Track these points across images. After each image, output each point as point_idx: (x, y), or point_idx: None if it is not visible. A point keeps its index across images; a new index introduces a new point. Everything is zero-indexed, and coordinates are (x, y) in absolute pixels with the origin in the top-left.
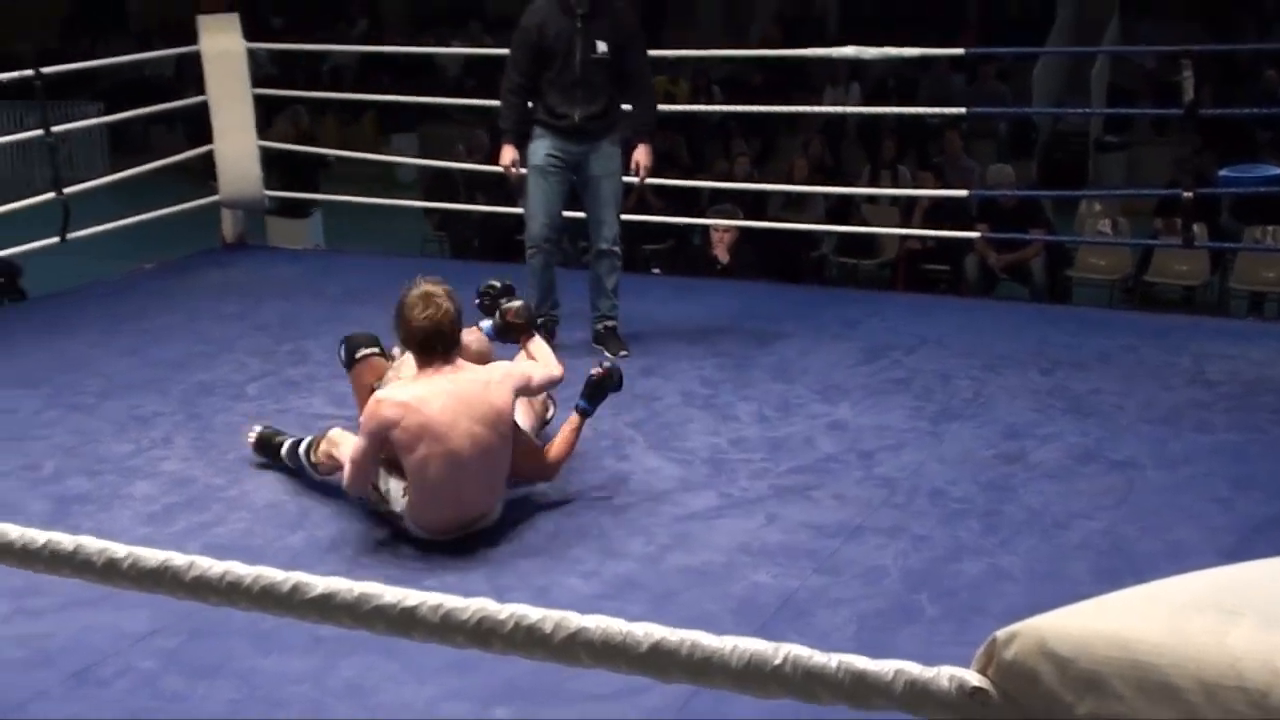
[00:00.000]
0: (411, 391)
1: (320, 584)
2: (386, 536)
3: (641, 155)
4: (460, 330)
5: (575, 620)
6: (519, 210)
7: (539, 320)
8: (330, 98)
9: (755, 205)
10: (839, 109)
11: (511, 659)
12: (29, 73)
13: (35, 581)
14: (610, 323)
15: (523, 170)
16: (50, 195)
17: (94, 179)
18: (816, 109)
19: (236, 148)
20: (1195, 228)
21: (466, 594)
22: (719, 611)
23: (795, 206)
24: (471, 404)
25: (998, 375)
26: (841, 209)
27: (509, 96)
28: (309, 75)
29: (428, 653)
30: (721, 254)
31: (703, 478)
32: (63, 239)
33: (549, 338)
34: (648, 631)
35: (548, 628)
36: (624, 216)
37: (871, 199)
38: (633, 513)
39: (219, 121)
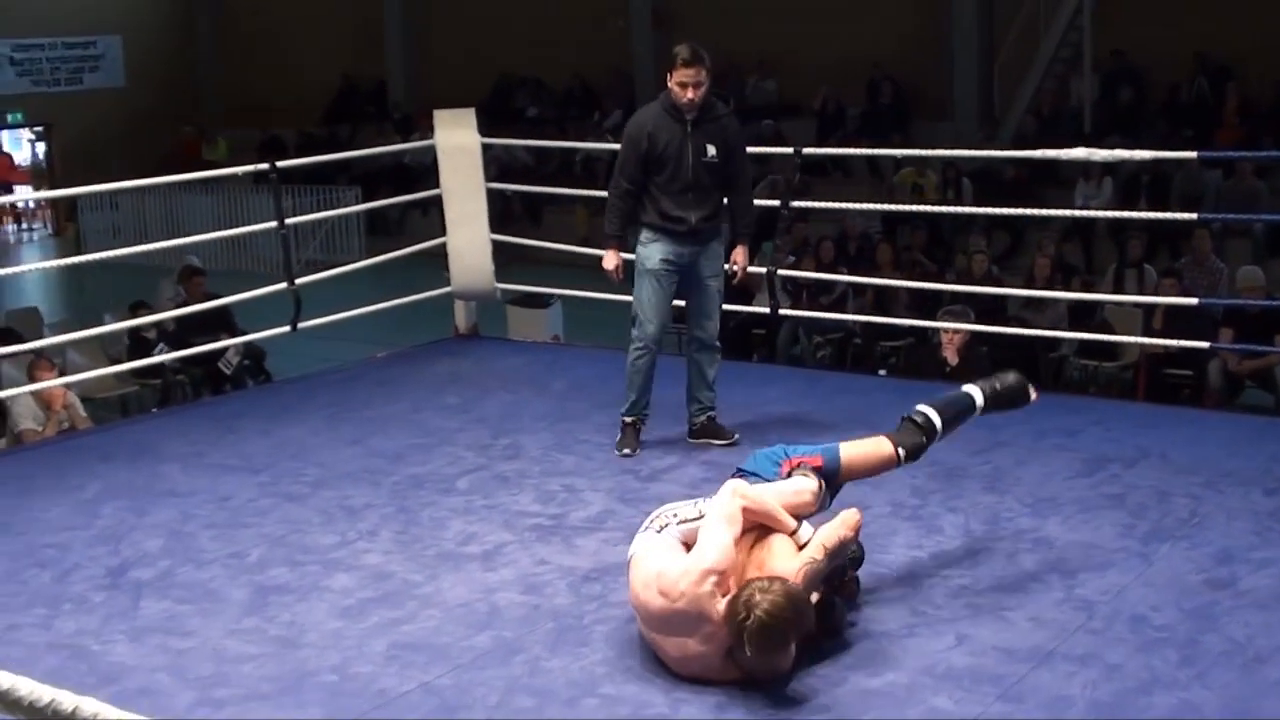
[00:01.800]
0: None
1: None
2: (573, 640)
3: (740, 256)
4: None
5: None
6: (762, 310)
7: (633, 422)
8: (545, 192)
9: (995, 303)
10: (1062, 212)
11: None
12: (264, 166)
13: (223, 673)
14: (712, 413)
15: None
16: (281, 285)
17: (350, 261)
18: (1044, 212)
19: (468, 239)
20: None
21: (640, 705)
22: None
23: (1036, 306)
24: None
25: (1219, 494)
26: (1083, 308)
27: (617, 201)
28: (563, 165)
29: None
30: (951, 356)
31: (897, 594)
32: (293, 328)
33: (636, 435)
34: None
35: None
36: (860, 317)
37: None
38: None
39: (451, 213)
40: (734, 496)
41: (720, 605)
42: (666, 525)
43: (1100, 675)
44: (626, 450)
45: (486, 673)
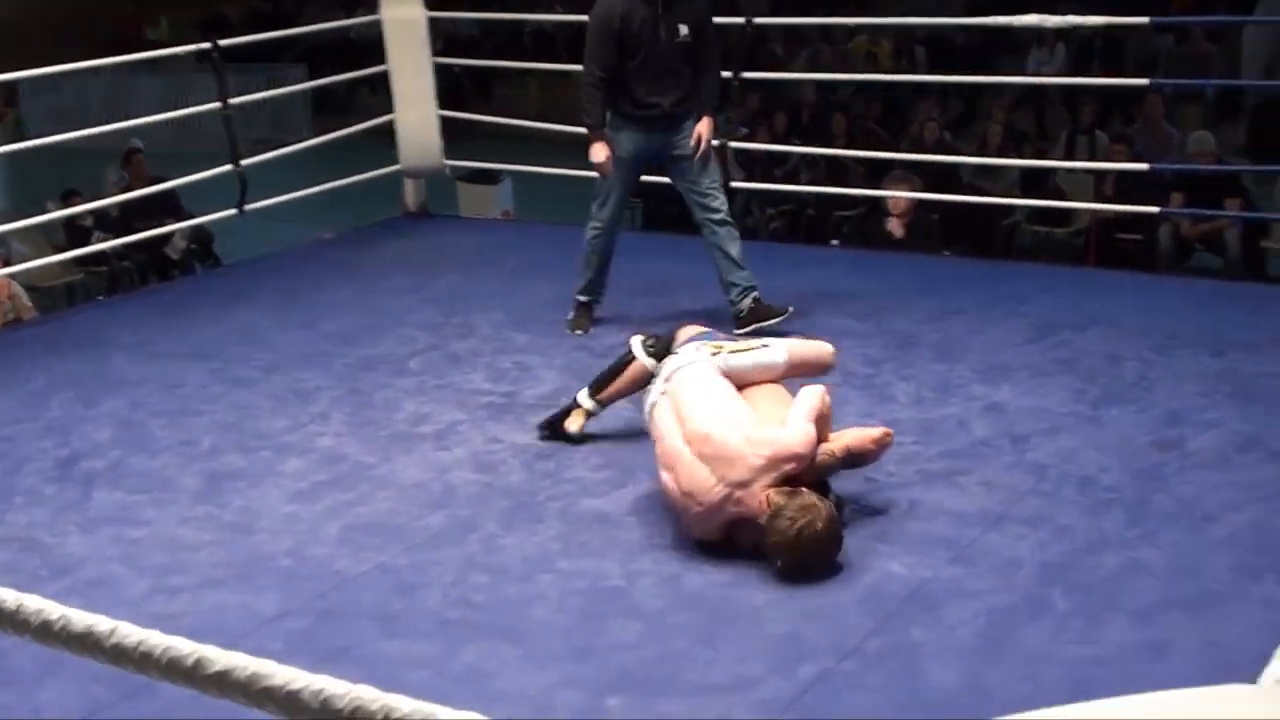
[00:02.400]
0: None
1: (219, 659)
2: (527, 516)
3: (704, 127)
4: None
5: (440, 716)
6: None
7: (588, 301)
8: (495, 66)
9: (948, 171)
10: (1015, 79)
11: (632, 647)
12: (206, 45)
13: (178, 561)
14: (755, 292)
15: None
16: (228, 167)
17: (298, 141)
18: (996, 79)
19: (416, 116)
20: None
21: (596, 578)
22: (846, 601)
23: (988, 173)
24: None
25: (1167, 357)
26: (1035, 175)
27: (593, 91)
28: (512, 38)
29: (548, 640)
30: (895, 228)
31: None
32: (240, 211)
33: (590, 314)
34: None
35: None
36: (813, 188)
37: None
38: None
39: (399, 90)
40: (821, 399)
41: (768, 494)
42: (721, 353)
43: (1050, 537)
44: (579, 330)
45: (442, 552)
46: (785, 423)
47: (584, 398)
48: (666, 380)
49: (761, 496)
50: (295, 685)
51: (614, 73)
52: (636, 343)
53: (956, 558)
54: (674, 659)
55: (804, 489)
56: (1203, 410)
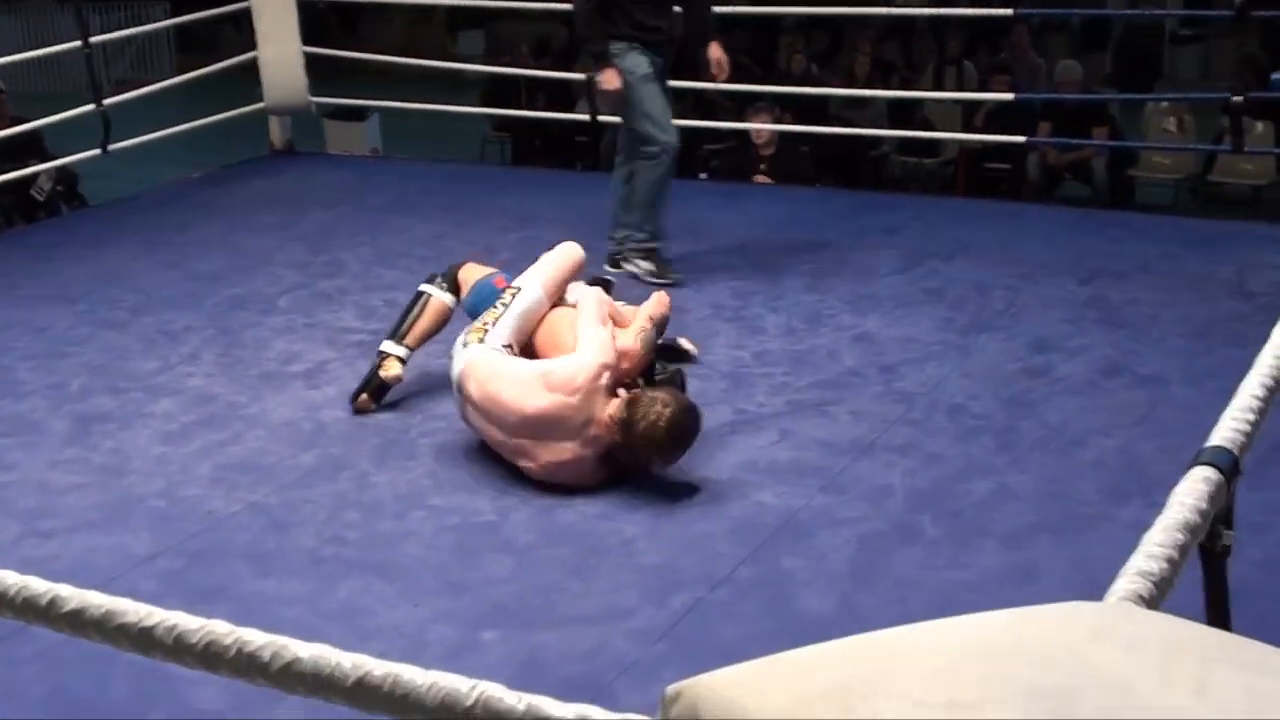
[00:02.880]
0: None
1: (74, 598)
2: (398, 454)
3: (718, 52)
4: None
5: (292, 649)
6: (580, 116)
7: (659, 245)
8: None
9: (816, 103)
10: (881, 10)
11: (505, 581)
12: None
13: (48, 504)
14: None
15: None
16: (90, 107)
17: (161, 80)
18: (862, 10)
19: (280, 53)
20: (1260, 126)
21: (468, 514)
22: (717, 531)
23: (856, 105)
24: None
25: (1035, 285)
26: (904, 106)
27: (591, 16)
28: None
29: (421, 576)
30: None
31: (719, 392)
32: (104, 150)
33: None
34: (355, 664)
35: (266, 656)
36: (681, 121)
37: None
38: None
39: (262, 26)
40: (597, 301)
41: (608, 406)
42: (485, 333)
43: (919, 464)
44: (678, 275)
45: (314, 490)
46: (576, 344)
47: (391, 346)
48: (457, 380)
49: (605, 419)
50: (149, 622)
51: None
52: (426, 286)
53: (827, 486)
54: (547, 591)
55: (637, 389)
56: (1070, 337)
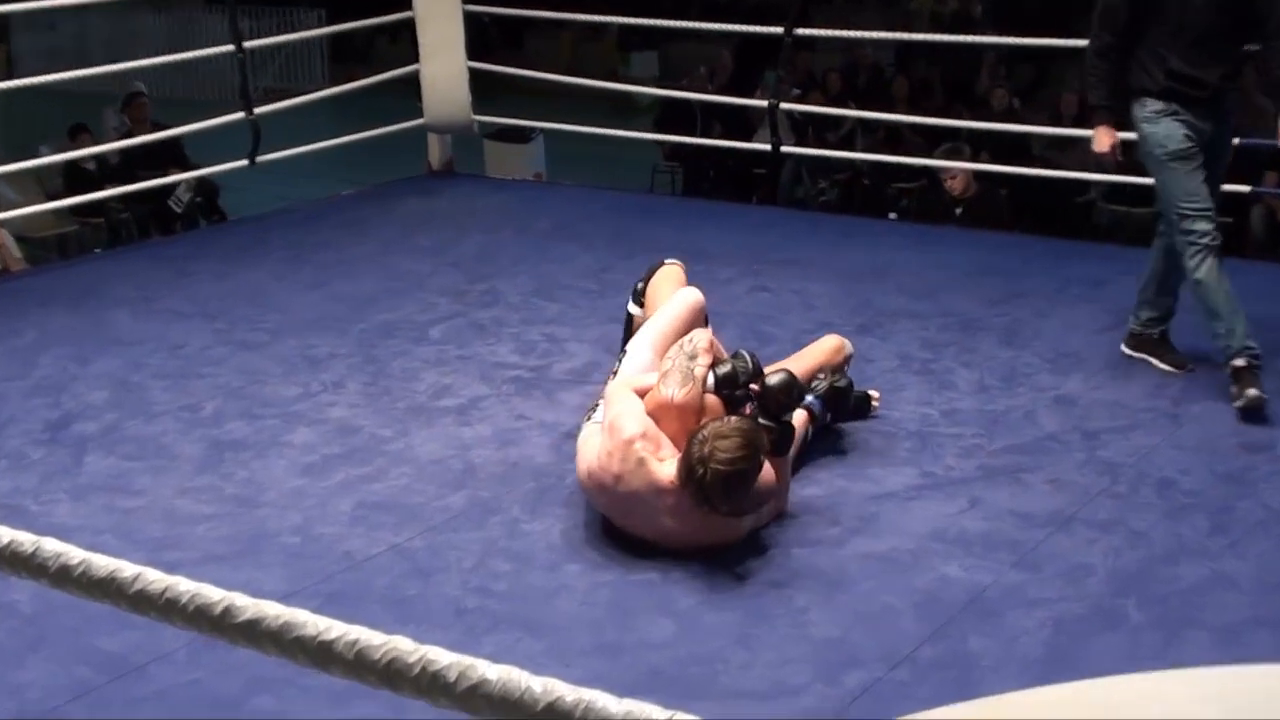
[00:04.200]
0: None
1: (250, 607)
2: (553, 500)
3: None
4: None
5: (480, 670)
6: (759, 146)
7: (1247, 360)
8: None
9: (1017, 142)
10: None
11: (664, 645)
12: None
13: (176, 534)
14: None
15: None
16: (239, 115)
17: (312, 90)
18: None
19: (443, 68)
20: None
21: (626, 570)
22: (899, 605)
23: (1062, 146)
24: None
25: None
26: None
27: (1099, 62)
28: None
29: (574, 634)
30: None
31: (905, 452)
32: (252, 162)
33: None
34: (546, 688)
35: (451, 676)
36: (868, 155)
37: None
38: (818, 488)
39: (426, 39)
40: (644, 353)
41: (666, 469)
42: (595, 410)
43: (1124, 542)
44: (1188, 368)
45: (461, 535)
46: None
47: None
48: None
49: (669, 485)
50: (328, 636)
51: (1126, 40)
52: (632, 306)
53: (1020, 561)
54: (708, 660)
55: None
56: None
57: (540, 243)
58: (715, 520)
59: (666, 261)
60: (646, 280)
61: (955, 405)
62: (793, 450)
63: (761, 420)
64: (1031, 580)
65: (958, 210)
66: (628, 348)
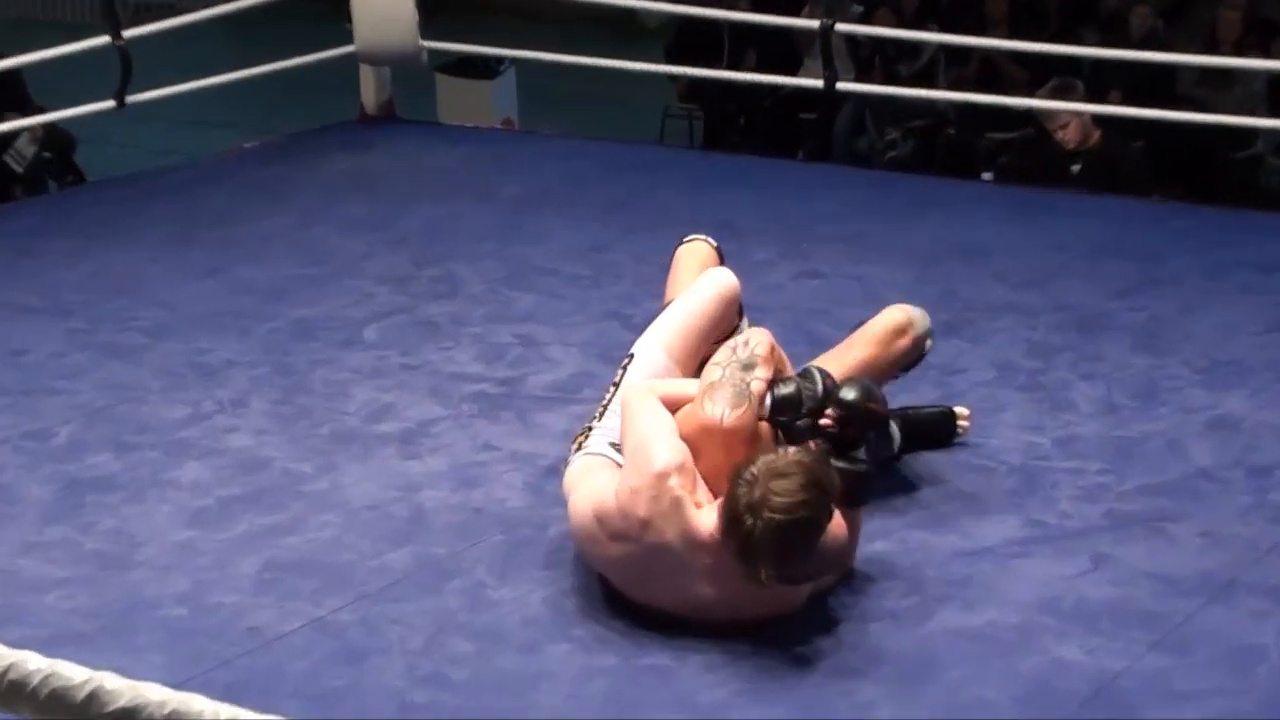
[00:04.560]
0: None
1: (126, 692)
2: (531, 559)
3: None
4: None
5: None
6: (809, 82)
7: None
8: None
9: (1158, 79)
10: None
11: None
12: None
13: (16, 607)
14: None
15: None
16: (103, 40)
17: (204, 7)
18: None
19: None
20: None
21: (629, 653)
22: (998, 701)
23: (1219, 82)
24: None
25: None
26: None
27: None
28: None
29: None
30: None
31: (1005, 495)
32: (120, 104)
33: None
34: None
35: None
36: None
37: None
38: (889, 543)
39: None
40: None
41: (706, 518)
42: (587, 436)
43: None
44: None
45: (406, 605)
46: None
47: None
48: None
49: (708, 539)
50: None
51: None
52: None
53: (1162, 642)
54: None
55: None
56: None
57: (511, 213)
58: (763, 588)
59: (689, 238)
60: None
61: (1074, 431)
62: None
63: (834, 462)
64: (1178, 667)
65: (1075, 168)
66: (634, 349)
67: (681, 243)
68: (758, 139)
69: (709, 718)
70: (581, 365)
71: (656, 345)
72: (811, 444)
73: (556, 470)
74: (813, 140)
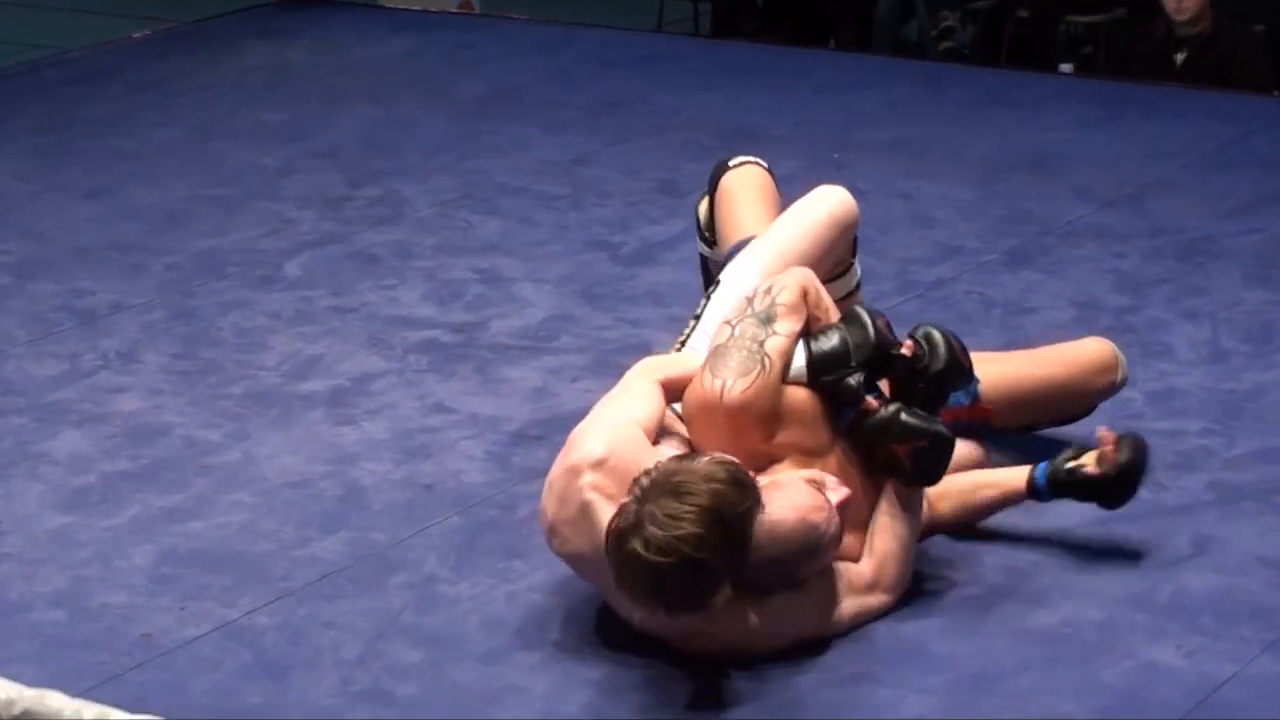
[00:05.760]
0: None
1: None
2: (493, 547)
3: None
4: None
5: None
6: None
7: None
8: None
9: None
10: None
11: None
12: None
13: None
14: None
15: None
16: None
17: None
18: None
19: None
20: None
21: (615, 661)
22: (1076, 714)
23: None
24: None
25: None
26: None
27: None
28: None
29: None
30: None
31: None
32: None
33: None
34: None
35: None
36: None
37: None
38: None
39: None
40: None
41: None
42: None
43: None
44: None
45: (340, 605)
46: None
47: None
48: None
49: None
50: None
51: None
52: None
53: (1278, 643)
54: None
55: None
56: None
57: (471, 119)
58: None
59: (736, 161)
60: (710, 195)
61: (1171, 383)
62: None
63: (906, 419)
64: None
65: (1179, 58)
66: (722, 275)
67: (725, 168)
68: (778, 25)
69: None
70: (557, 306)
71: (755, 269)
72: (873, 403)
73: (526, 437)
74: (848, 26)
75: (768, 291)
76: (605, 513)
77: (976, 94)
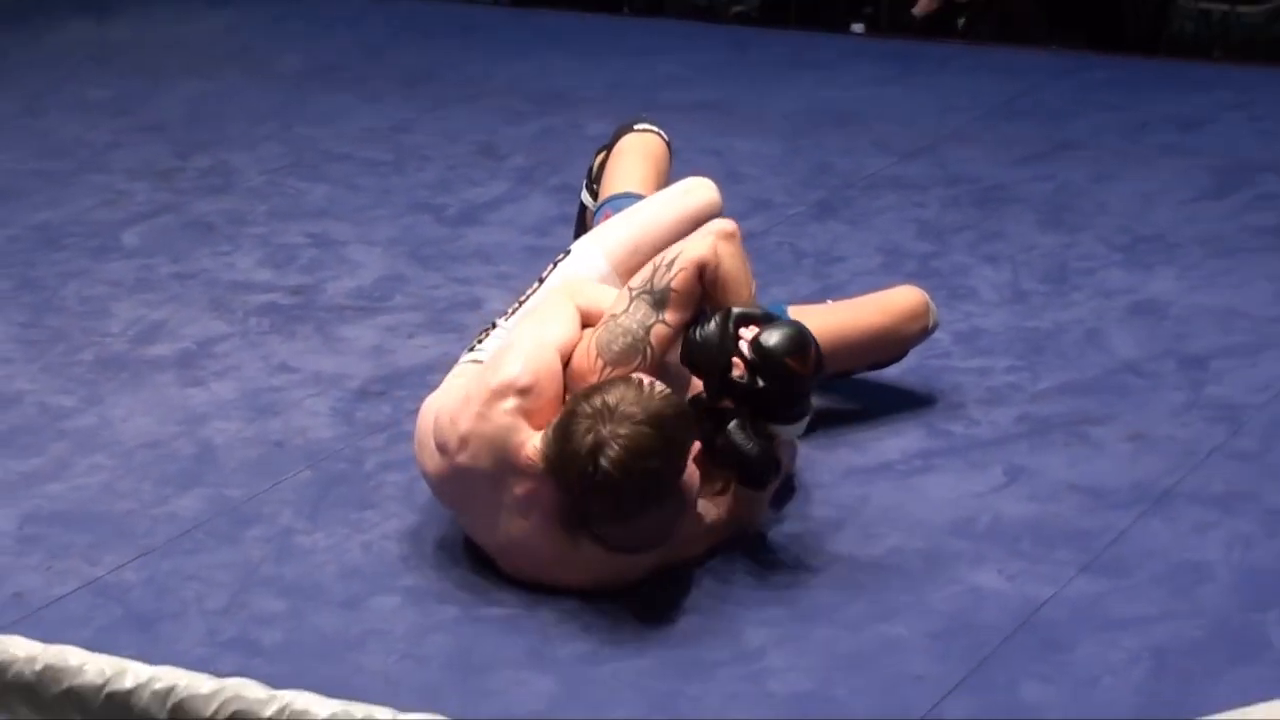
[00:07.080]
0: None
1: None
2: (348, 497)
3: None
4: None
5: None
6: None
7: None
8: None
9: None
10: None
11: (541, 716)
12: None
13: None
14: None
15: None
16: None
17: None
18: None
19: None
20: None
21: (470, 604)
22: (906, 637)
23: None
24: None
25: None
26: None
27: None
28: None
29: (395, 703)
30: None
31: (902, 403)
32: None
33: None
34: None
35: None
36: None
37: None
38: None
39: None
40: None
41: (535, 442)
42: (488, 332)
43: (1257, 526)
44: None
45: (201, 558)
46: None
47: None
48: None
49: (526, 461)
50: None
51: None
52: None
53: (1094, 563)
54: None
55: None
56: None
57: (293, 89)
58: (592, 552)
59: (638, 125)
60: (606, 150)
61: (976, 323)
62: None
63: (732, 436)
64: (1113, 591)
65: (961, 20)
66: (572, 247)
67: (628, 129)
68: None
69: (570, 672)
70: (389, 267)
71: (599, 250)
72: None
73: (368, 393)
74: None
75: (670, 265)
76: (523, 434)
77: (777, 55)
